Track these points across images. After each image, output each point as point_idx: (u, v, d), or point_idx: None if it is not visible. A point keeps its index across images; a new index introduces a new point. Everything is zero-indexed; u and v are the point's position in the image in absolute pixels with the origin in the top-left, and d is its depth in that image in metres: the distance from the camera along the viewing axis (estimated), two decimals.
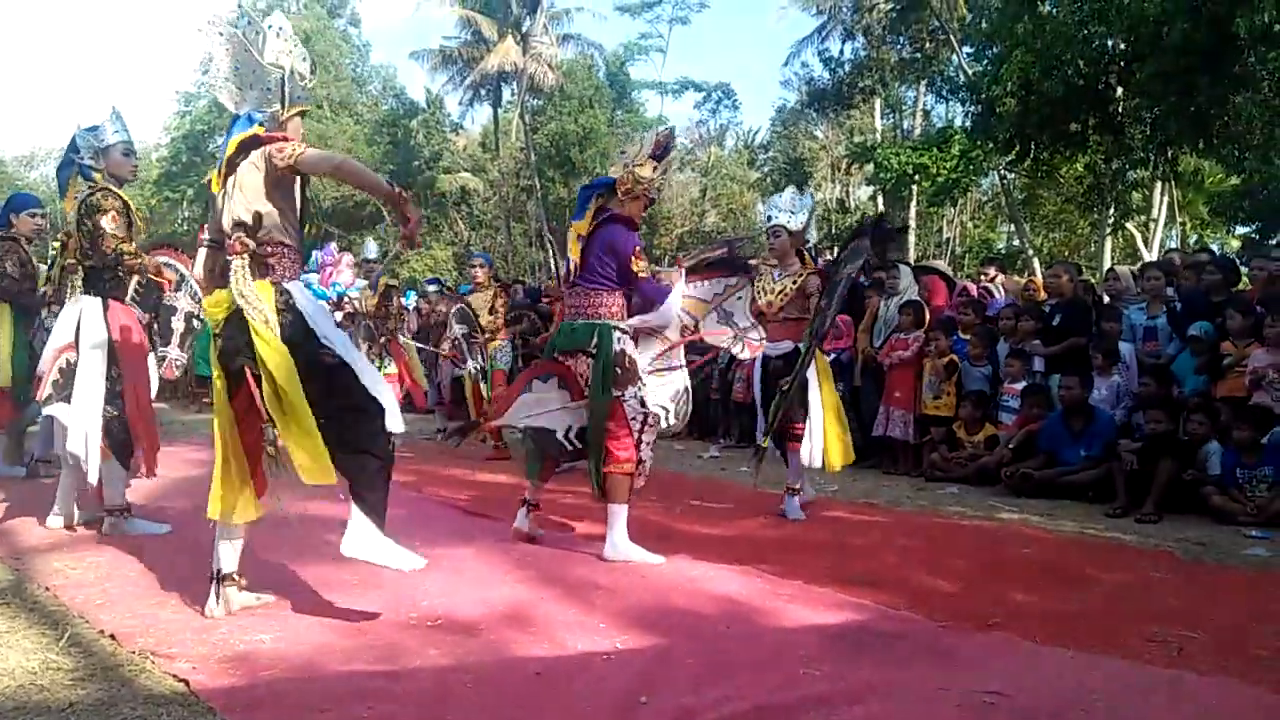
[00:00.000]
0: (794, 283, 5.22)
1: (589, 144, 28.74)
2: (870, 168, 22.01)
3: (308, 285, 12.00)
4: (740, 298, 4.65)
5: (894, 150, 19.99)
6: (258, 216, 3.19)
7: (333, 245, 17.46)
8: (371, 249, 11.15)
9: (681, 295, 4.46)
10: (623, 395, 4.16)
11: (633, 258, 4.22)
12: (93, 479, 4.32)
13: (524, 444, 4.68)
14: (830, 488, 6.37)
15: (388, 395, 3.22)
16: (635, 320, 4.36)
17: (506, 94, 33.61)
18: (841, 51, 24.34)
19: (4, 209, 6.60)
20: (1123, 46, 12.96)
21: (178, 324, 5.16)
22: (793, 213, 5.40)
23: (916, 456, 7.26)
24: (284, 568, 3.88)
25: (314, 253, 16.76)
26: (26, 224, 6.29)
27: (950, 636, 3.17)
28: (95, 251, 4.42)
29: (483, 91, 33.72)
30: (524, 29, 31.66)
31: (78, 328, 4.41)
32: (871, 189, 25.62)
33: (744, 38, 57.44)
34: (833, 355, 8.23)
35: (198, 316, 5.09)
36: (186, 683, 2.63)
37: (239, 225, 3.20)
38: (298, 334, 3.16)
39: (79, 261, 4.51)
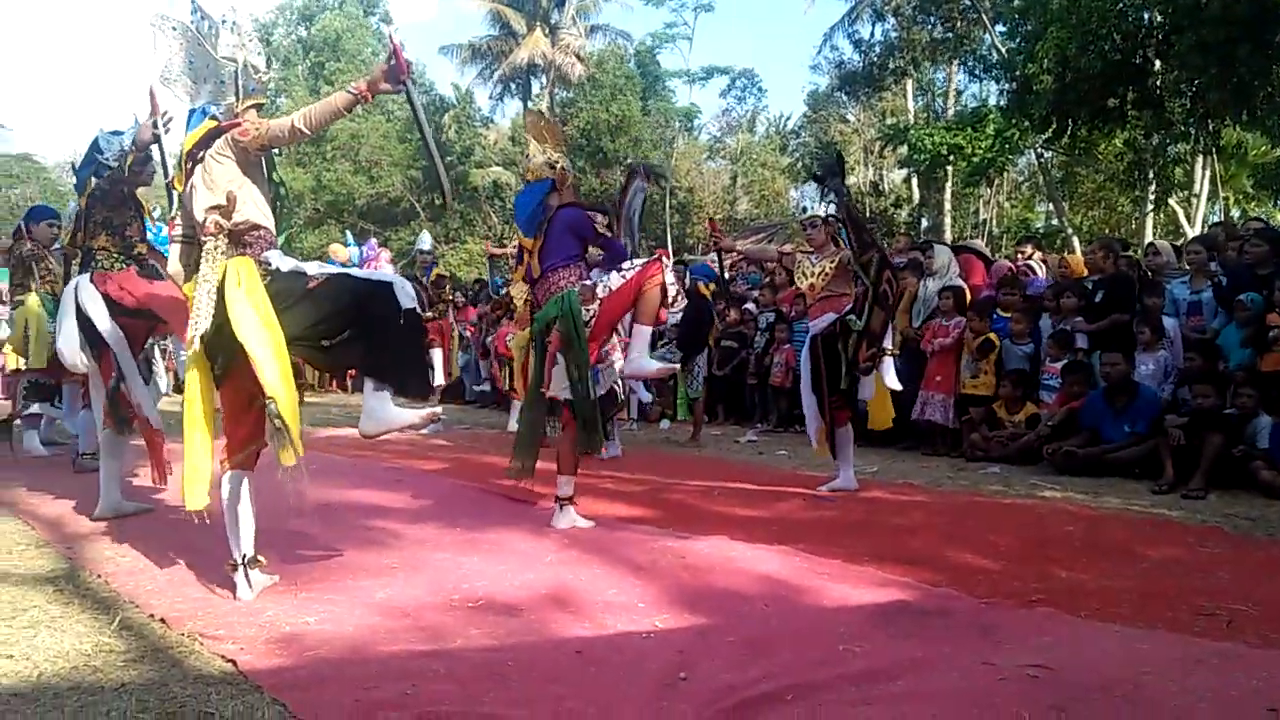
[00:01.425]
0: (832, 263, 5.32)
1: (621, 132, 28.68)
2: (904, 150, 21.75)
3: None
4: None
5: (928, 131, 19.74)
6: (231, 198, 3.27)
7: (373, 240, 17.69)
8: (425, 241, 11.28)
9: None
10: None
11: (594, 225, 4.67)
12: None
13: (513, 459, 4.68)
14: (869, 469, 6.32)
15: (395, 281, 3.27)
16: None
17: (536, 87, 33.65)
18: (872, 34, 24.07)
19: (26, 218, 7.03)
20: (1160, 19, 12.68)
21: None
22: (827, 203, 5.53)
23: (956, 438, 7.18)
24: (327, 554, 3.93)
25: (356, 249, 16.97)
26: (44, 233, 6.85)
27: (993, 613, 3.14)
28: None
29: (513, 85, 33.79)
30: (552, 21, 31.66)
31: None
32: (905, 171, 25.32)
33: (771, 25, 57.00)
34: None
35: None
36: (234, 663, 2.68)
37: (213, 209, 3.28)
38: (285, 284, 3.26)
39: (77, 247, 4.81)
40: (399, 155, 32.39)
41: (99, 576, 3.66)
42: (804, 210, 6.46)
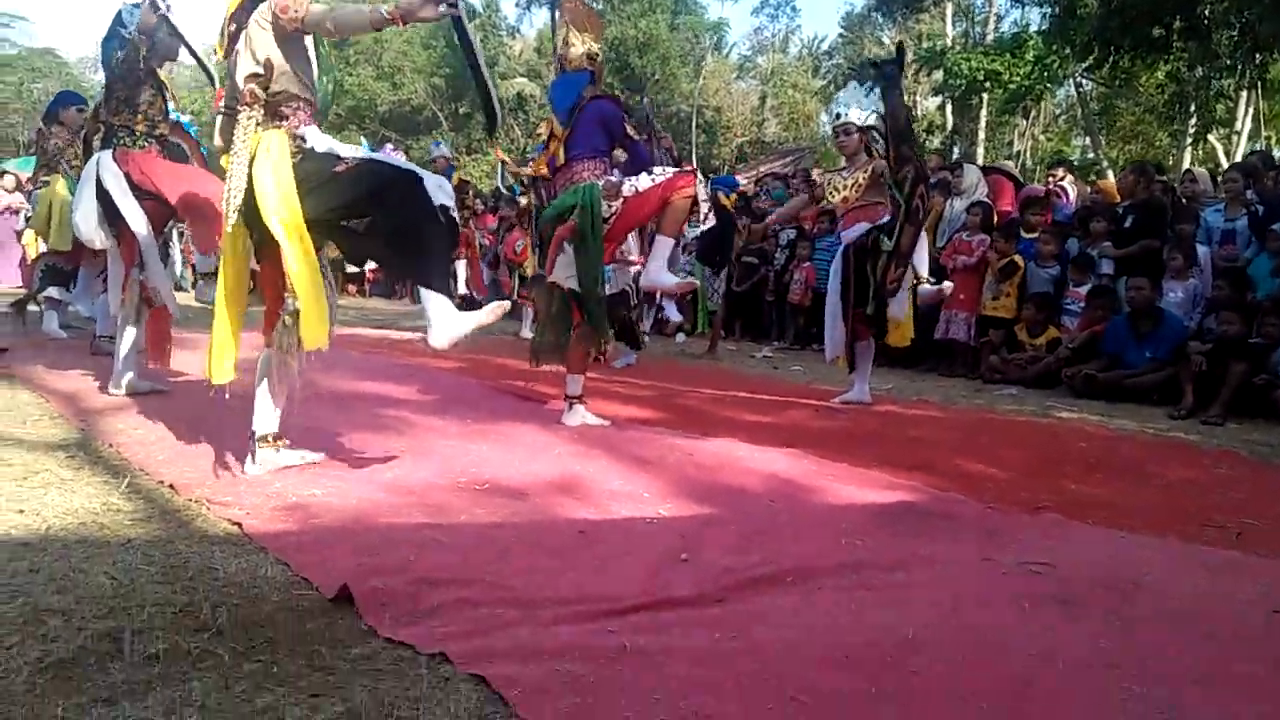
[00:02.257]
0: (865, 174, 5.16)
1: (649, 49, 28.12)
2: (939, 76, 21.22)
3: None
4: None
5: (965, 56, 19.21)
6: (269, 65, 3.16)
7: (389, 146, 17.52)
8: (442, 148, 11.13)
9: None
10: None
11: (625, 123, 4.48)
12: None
13: (540, 336, 4.67)
14: (885, 386, 6.28)
15: (428, 176, 3.13)
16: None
17: None
18: None
19: (52, 104, 7.00)
20: None
21: None
22: (860, 107, 5.29)
23: (974, 359, 7.12)
24: (338, 436, 3.95)
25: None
26: (72, 119, 6.85)
27: (998, 517, 3.12)
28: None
29: None
30: None
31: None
32: (939, 98, 24.74)
33: None
34: None
35: None
36: (240, 526, 2.71)
37: (251, 77, 3.17)
38: (314, 165, 3.15)
39: (100, 122, 4.73)
40: (422, 62, 31.92)
41: (110, 446, 3.69)
42: (838, 117, 6.14)
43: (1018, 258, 6.91)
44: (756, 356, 8.43)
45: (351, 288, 15.24)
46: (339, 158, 3.17)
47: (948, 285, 5.42)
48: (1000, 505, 3.26)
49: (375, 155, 3.19)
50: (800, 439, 4.27)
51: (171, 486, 3.12)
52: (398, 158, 12.40)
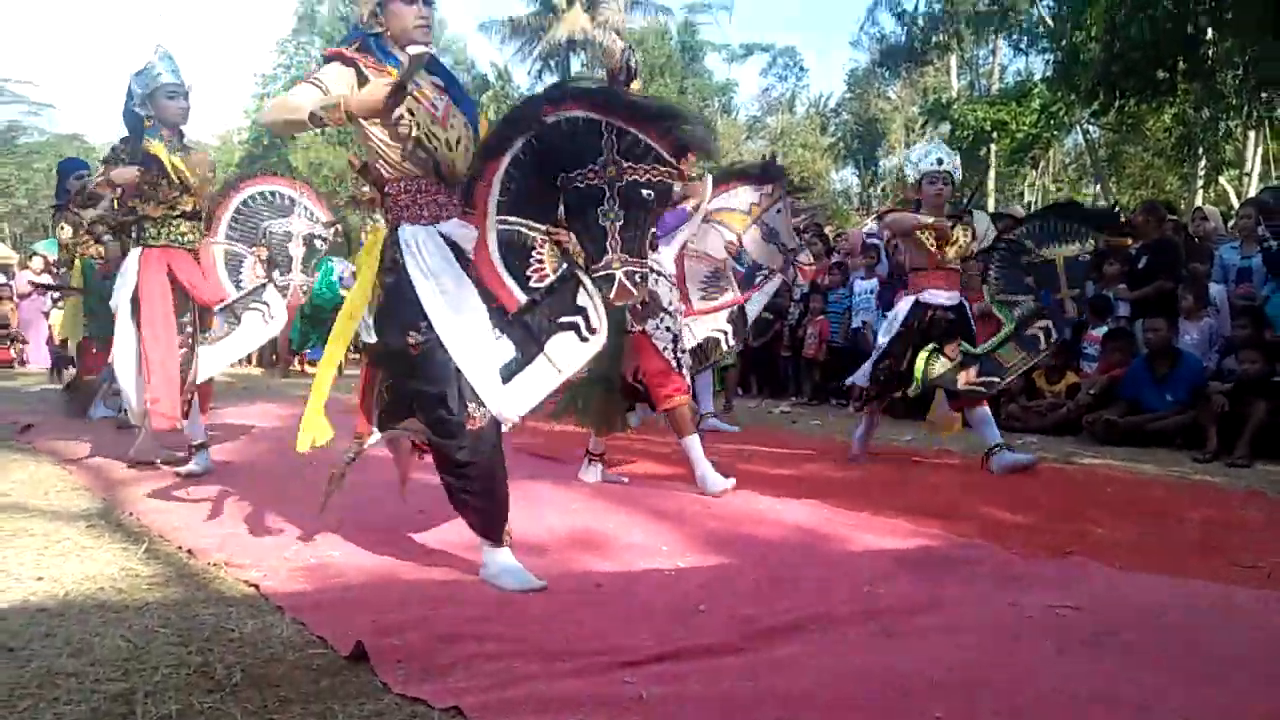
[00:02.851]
0: (967, 238, 4.89)
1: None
2: (946, 128, 21.40)
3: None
4: (780, 210, 4.38)
5: (971, 106, 19.40)
6: (362, 152, 2.90)
7: None
8: None
9: (707, 207, 4.33)
10: (645, 329, 4.02)
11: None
12: (134, 419, 4.59)
13: (581, 397, 4.45)
14: (904, 437, 6.24)
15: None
16: (666, 251, 4.23)
17: (576, 64, 33.52)
18: (916, 6, 23.71)
19: (59, 184, 7.09)
20: None
21: (295, 249, 4.91)
22: (957, 166, 5.01)
23: (994, 407, 7.05)
24: (357, 499, 3.95)
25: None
26: (74, 185, 6.79)
27: (1023, 563, 3.07)
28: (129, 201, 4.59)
29: (552, 63, 33.67)
30: None
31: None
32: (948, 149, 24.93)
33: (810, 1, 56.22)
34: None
35: (319, 236, 4.95)
36: (257, 587, 2.70)
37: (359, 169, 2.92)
38: (393, 288, 2.75)
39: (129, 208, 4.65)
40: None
41: (130, 514, 3.71)
42: (939, 162, 5.81)
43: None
44: (774, 412, 8.40)
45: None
46: (414, 324, 2.70)
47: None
48: (1024, 551, 3.21)
49: (451, 335, 2.67)
50: (820, 490, 4.23)
51: (190, 551, 3.12)
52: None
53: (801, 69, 34.64)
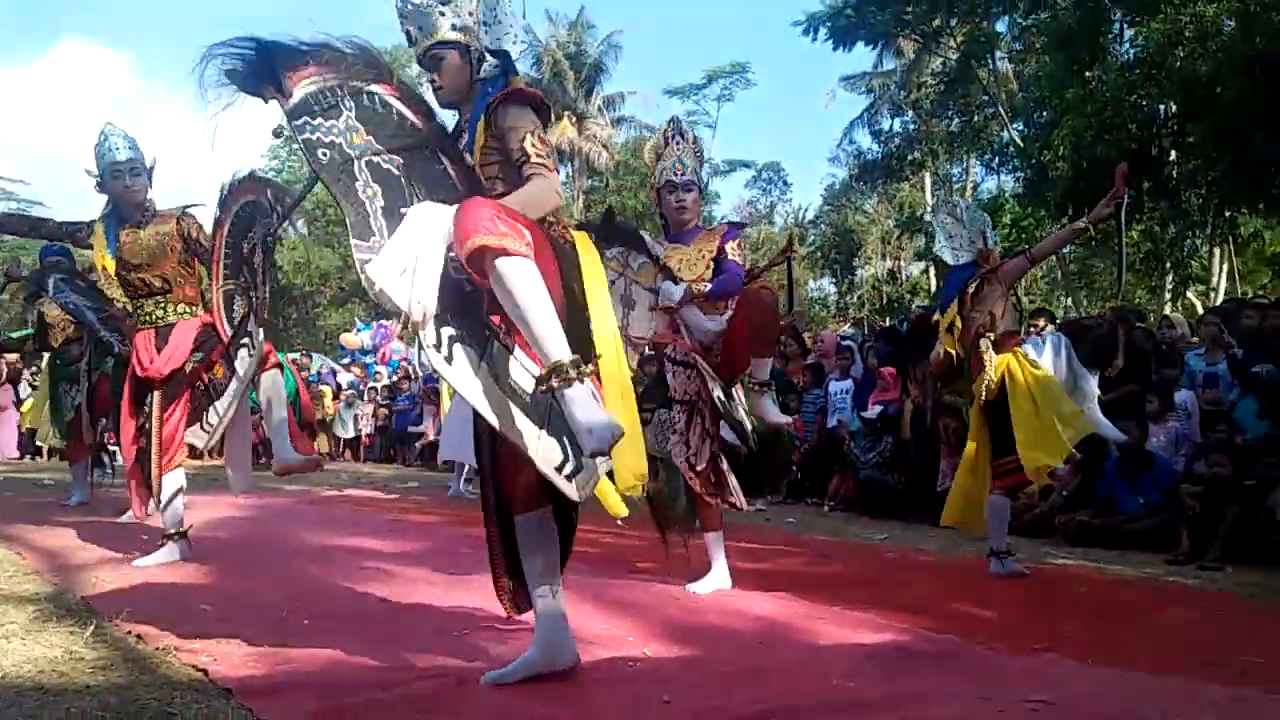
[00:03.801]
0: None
1: (646, 220, 29.14)
2: (921, 242, 21.93)
3: (364, 364, 11.86)
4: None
5: None
6: None
7: (385, 322, 17.86)
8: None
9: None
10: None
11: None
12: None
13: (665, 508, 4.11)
14: (878, 536, 6.19)
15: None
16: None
17: (563, 174, 34.35)
18: (891, 126, 24.57)
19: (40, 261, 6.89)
20: (1175, 109, 12.86)
21: (256, 259, 4.23)
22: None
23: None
24: (318, 588, 3.86)
25: (368, 331, 17.04)
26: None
27: (995, 658, 3.01)
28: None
29: None
30: (579, 110, 32.44)
31: None
32: (922, 262, 25.49)
33: (790, 117, 58.24)
34: (879, 408, 8.13)
35: (269, 234, 4.19)
36: (205, 672, 2.60)
37: None
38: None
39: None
40: None
41: (81, 598, 3.59)
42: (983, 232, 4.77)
43: None
44: (749, 510, 8.32)
45: (348, 453, 15.23)
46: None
47: None
48: (996, 647, 3.16)
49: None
50: (792, 584, 4.17)
51: (139, 637, 3.01)
52: (393, 341, 12.68)
53: (785, 183, 35.54)
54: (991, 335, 4.57)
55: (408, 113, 2.51)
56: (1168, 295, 17.13)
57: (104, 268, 4.36)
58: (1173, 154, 13.33)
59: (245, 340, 4.32)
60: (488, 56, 2.63)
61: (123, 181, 4.34)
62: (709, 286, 3.80)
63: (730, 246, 3.92)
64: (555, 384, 2.12)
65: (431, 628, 3.22)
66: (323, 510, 7.21)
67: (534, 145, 2.44)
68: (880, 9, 16.22)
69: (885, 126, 24.70)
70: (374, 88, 2.46)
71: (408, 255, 2.16)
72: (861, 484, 7.91)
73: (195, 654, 2.78)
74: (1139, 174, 13.27)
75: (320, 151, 2.36)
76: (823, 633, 3.27)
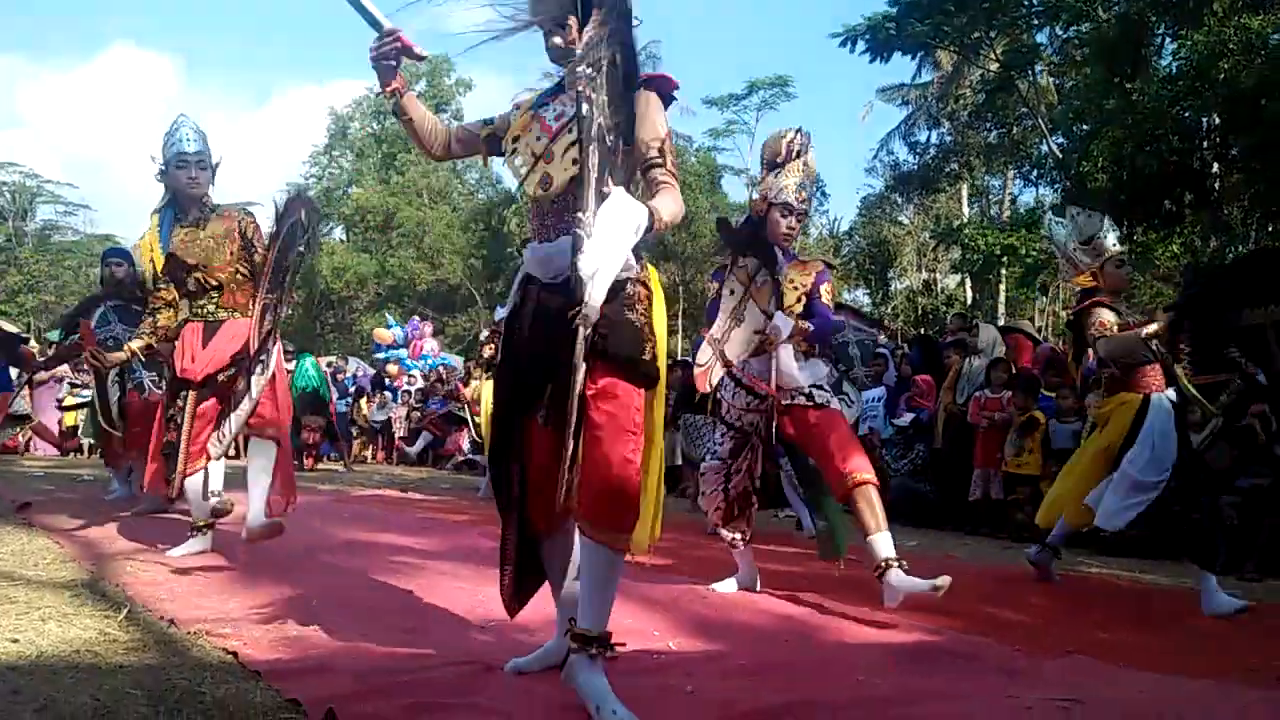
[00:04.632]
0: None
1: (681, 227, 29.14)
2: (957, 254, 21.77)
3: (399, 359, 11.75)
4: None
5: (981, 231, 19.73)
6: None
7: (416, 319, 18.06)
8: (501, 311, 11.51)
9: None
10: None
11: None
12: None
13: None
14: (909, 543, 6.13)
15: None
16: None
17: None
18: (928, 138, 24.46)
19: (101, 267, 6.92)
20: (1218, 121, 12.69)
21: (288, 279, 4.28)
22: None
23: (999, 518, 6.96)
24: (349, 580, 3.90)
25: (400, 329, 17.24)
26: (105, 273, 6.54)
27: (1023, 658, 2.98)
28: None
29: None
30: None
31: None
32: (959, 274, 25.28)
33: (827, 129, 57.98)
34: (911, 416, 8.07)
35: (299, 250, 4.23)
36: (235, 655, 2.64)
37: None
38: None
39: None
40: (461, 244, 33.27)
41: (117, 585, 3.65)
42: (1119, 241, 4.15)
43: (1038, 413, 6.86)
44: (779, 517, 8.29)
45: (380, 455, 15.36)
46: None
47: None
48: (1024, 648, 3.12)
49: None
50: (818, 586, 4.15)
51: (172, 621, 3.06)
52: (426, 338, 12.71)
53: (824, 194, 35.41)
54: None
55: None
56: None
57: (151, 260, 4.36)
58: (1215, 166, 13.15)
59: (264, 358, 4.27)
60: None
61: (188, 172, 4.30)
62: (809, 326, 3.77)
63: (824, 289, 3.88)
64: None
65: (457, 619, 3.24)
66: (356, 509, 7.28)
67: (671, 152, 2.34)
68: (920, 20, 16.15)
69: (922, 138, 24.59)
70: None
71: (605, 254, 2.06)
72: (892, 491, 7.84)
73: (226, 638, 2.82)
74: (1181, 186, 13.12)
75: (583, 105, 2.13)
76: (848, 631, 3.26)
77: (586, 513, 2.25)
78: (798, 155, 3.78)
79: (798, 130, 3.84)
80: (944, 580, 3.30)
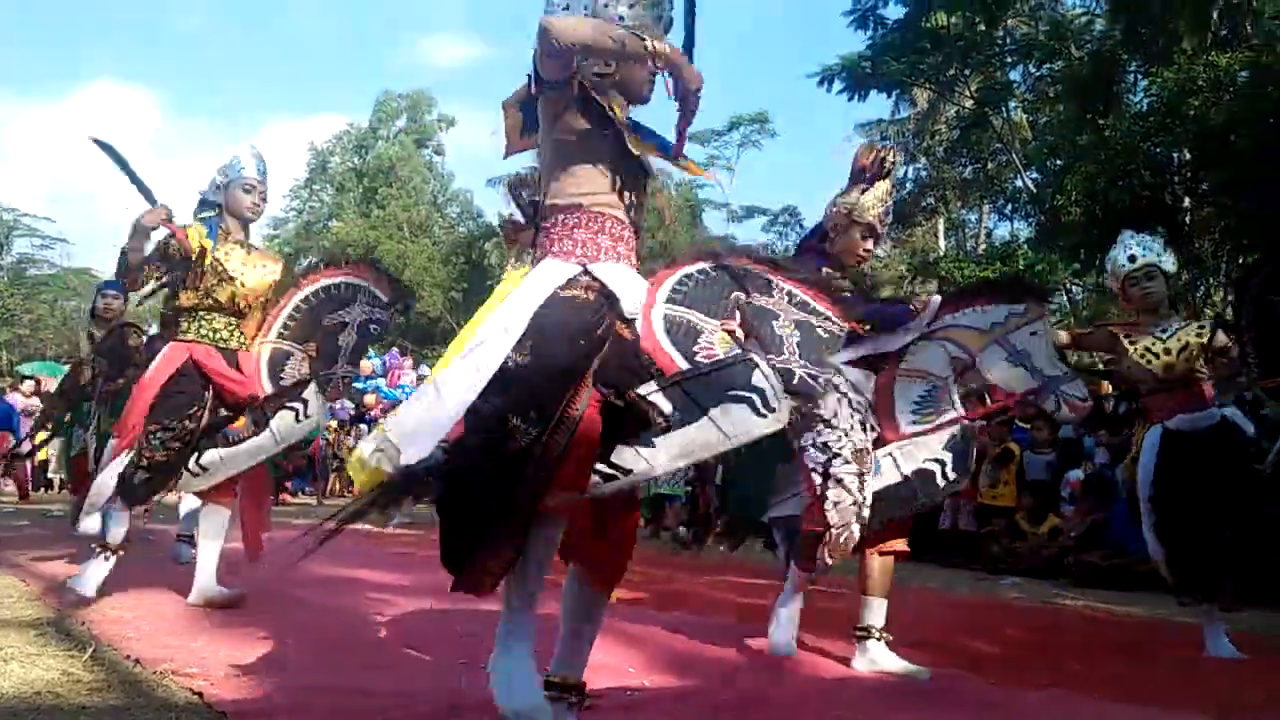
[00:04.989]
0: (1197, 334, 3.95)
1: (660, 258, 29.29)
2: (934, 285, 21.94)
3: (375, 388, 11.38)
4: (1036, 333, 3.40)
5: (957, 264, 19.91)
6: None
7: (395, 350, 18.01)
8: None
9: (915, 332, 3.41)
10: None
11: None
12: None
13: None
14: None
15: None
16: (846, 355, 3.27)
17: None
18: (905, 173, 24.71)
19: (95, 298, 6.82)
20: (1188, 157, 12.90)
21: (345, 338, 4.15)
22: (1163, 253, 4.18)
23: (973, 550, 6.96)
24: (321, 616, 3.85)
25: (378, 360, 17.22)
26: (99, 304, 6.48)
27: (999, 692, 2.98)
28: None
29: None
30: None
31: None
32: None
33: (805, 159, 58.59)
34: None
35: (375, 321, 4.19)
36: (200, 695, 2.59)
37: None
38: None
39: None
40: (441, 277, 33.30)
41: (82, 623, 3.58)
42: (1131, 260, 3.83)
43: (1013, 445, 6.91)
44: (758, 551, 8.26)
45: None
46: None
47: None
48: (1001, 682, 3.12)
49: None
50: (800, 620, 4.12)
51: (137, 660, 3.00)
52: (404, 370, 12.60)
53: (802, 227, 35.69)
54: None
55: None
56: None
57: (210, 252, 4.03)
58: (1186, 201, 13.35)
59: (295, 405, 4.09)
60: None
61: (252, 197, 4.19)
62: None
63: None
64: None
65: (431, 658, 3.20)
66: (328, 544, 7.18)
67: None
68: (896, 59, 16.39)
69: (900, 173, 24.85)
70: None
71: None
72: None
73: (192, 678, 2.76)
74: (1153, 220, 13.30)
75: None
76: (826, 666, 3.25)
77: (607, 568, 2.34)
78: (886, 174, 3.55)
79: (892, 147, 3.67)
80: (925, 674, 3.17)
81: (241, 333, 4.17)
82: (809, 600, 4.73)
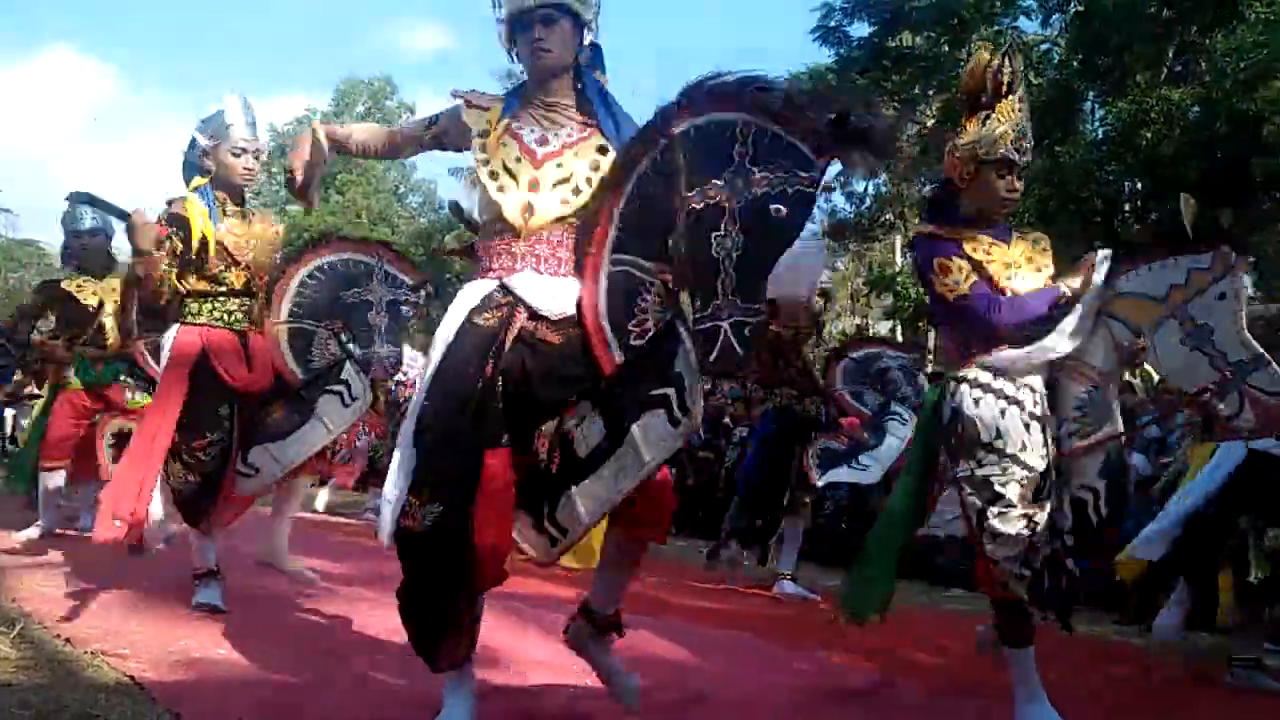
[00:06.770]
0: None
1: None
2: (889, 298, 22.19)
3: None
4: (1224, 296, 2.51)
5: (913, 280, 20.19)
6: None
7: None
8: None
9: (1096, 300, 2.57)
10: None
11: (934, 275, 2.75)
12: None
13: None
14: (830, 583, 6.16)
15: None
16: (1001, 357, 2.64)
17: None
18: (865, 188, 24.98)
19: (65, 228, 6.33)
20: (1140, 186, 13.21)
21: (376, 318, 3.92)
22: None
23: (925, 562, 7.02)
24: (263, 603, 3.78)
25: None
26: (75, 244, 5.60)
27: (943, 701, 3.01)
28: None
29: None
30: None
31: None
32: (891, 322, 25.77)
33: None
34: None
35: (404, 301, 3.99)
36: (132, 678, 2.53)
37: None
38: None
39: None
40: None
41: (13, 601, 3.49)
42: None
43: None
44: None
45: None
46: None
47: None
48: (945, 690, 3.15)
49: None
50: (745, 624, 4.15)
51: (68, 640, 2.92)
52: None
53: None
54: None
55: None
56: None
57: (213, 240, 3.67)
58: (1136, 228, 13.65)
59: (339, 388, 3.77)
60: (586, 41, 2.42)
61: (243, 162, 3.77)
62: None
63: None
64: None
65: (370, 644, 3.16)
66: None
67: None
68: (859, 74, 16.58)
69: (859, 188, 25.10)
70: None
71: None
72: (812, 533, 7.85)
73: (124, 659, 2.70)
74: (1103, 245, 13.62)
75: None
76: (774, 668, 3.26)
77: (647, 520, 2.31)
78: (1009, 91, 2.73)
79: (1004, 54, 2.75)
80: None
81: (249, 312, 3.82)
82: (760, 607, 4.77)
